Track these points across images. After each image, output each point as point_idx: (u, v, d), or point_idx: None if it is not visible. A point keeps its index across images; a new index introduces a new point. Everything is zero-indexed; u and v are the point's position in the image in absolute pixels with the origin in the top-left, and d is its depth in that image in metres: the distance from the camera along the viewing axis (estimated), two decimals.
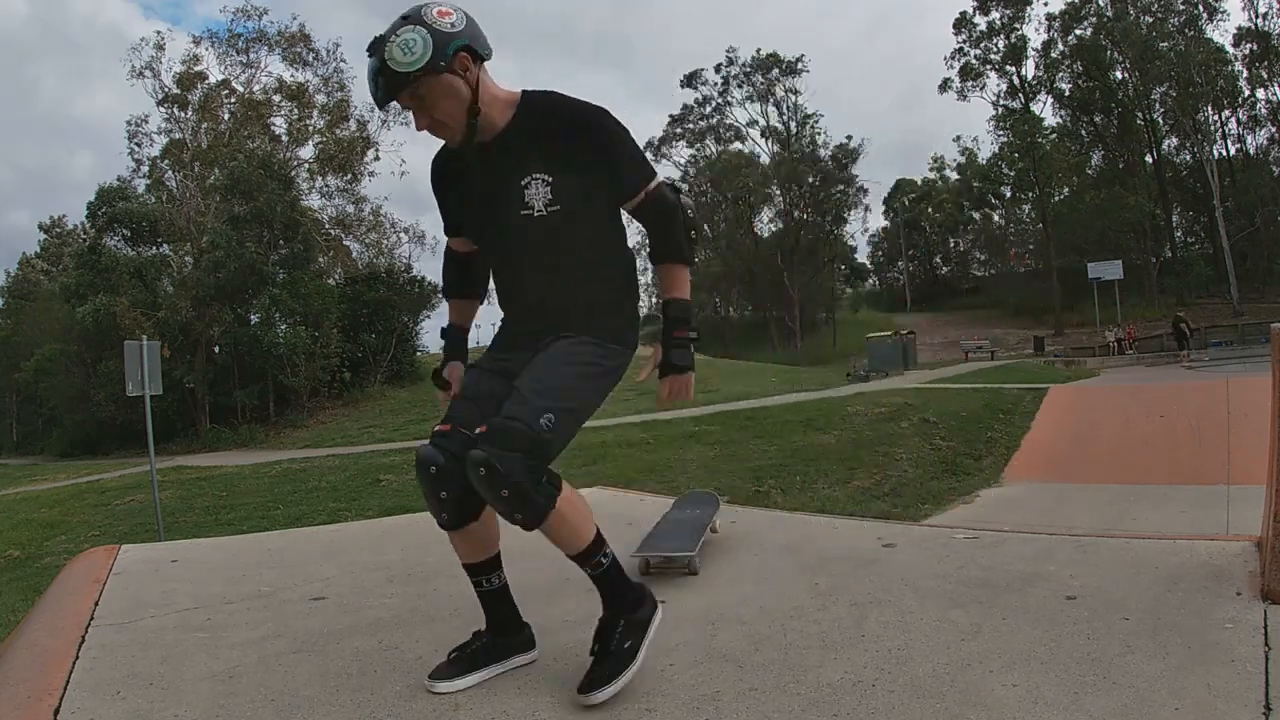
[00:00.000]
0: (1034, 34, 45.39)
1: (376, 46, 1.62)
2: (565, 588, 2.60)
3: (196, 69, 29.09)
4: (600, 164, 1.71)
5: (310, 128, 30.47)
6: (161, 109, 28.91)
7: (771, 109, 49.81)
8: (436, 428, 1.81)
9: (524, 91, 1.77)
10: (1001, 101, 46.37)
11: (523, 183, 1.71)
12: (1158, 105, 43.68)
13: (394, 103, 1.67)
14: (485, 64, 1.70)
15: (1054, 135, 45.86)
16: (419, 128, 1.69)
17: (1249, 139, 43.80)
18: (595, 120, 1.71)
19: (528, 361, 1.73)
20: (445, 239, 2.00)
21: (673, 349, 1.76)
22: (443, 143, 1.78)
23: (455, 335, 2.00)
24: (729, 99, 50.14)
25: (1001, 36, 45.48)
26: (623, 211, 1.81)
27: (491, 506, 1.68)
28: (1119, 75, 43.98)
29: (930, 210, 56.97)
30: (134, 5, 78.71)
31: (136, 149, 29.35)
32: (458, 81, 1.64)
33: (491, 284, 1.98)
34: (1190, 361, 24.74)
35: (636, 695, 1.67)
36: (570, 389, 1.69)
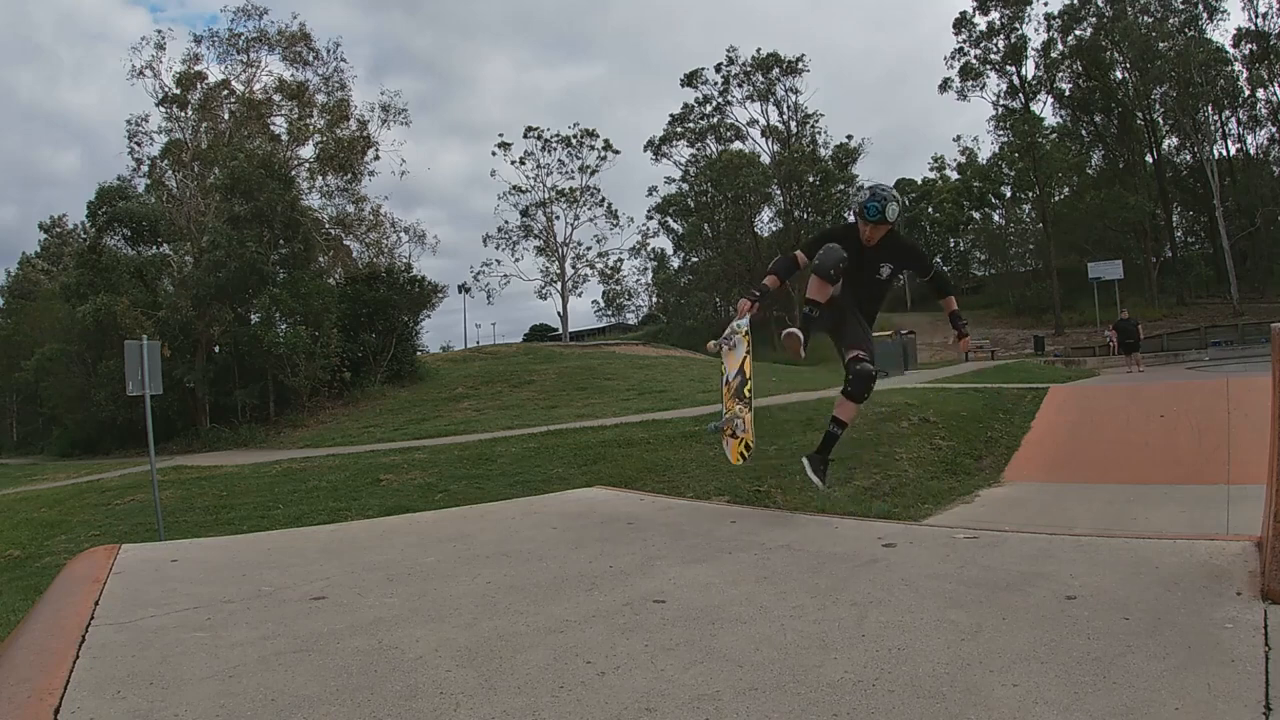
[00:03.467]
0: (1034, 34, 45.39)
1: (892, 197, 3.82)
2: (564, 588, 2.60)
3: (196, 69, 29.13)
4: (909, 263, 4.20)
5: (310, 127, 30.48)
6: (161, 109, 28.95)
7: (772, 109, 49.86)
8: (856, 353, 3.93)
9: (889, 231, 3.87)
10: (1001, 101, 46.37)
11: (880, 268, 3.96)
12: (1158, 105, 43.63)
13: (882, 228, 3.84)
14: None
15: (1054, 135, 45.83)
16: (868, 240, 3.79)
17: (1249, 139, 43.80)
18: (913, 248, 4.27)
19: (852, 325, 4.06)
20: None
21: (961, 325, 4.31)
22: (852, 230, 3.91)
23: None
24: (729, 98, 50.17)
25: (1001, 36, 45.45)
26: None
27: (866, 390, 3.87)
28: (1119, 75, 43.95)
29: (930, 210, 56.98)
30: None
31: (136, 148, 29.39)
32: (888, 229, 3.86)
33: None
34: (1141, 366, 22.22)
35: (637, 694, 1.67)
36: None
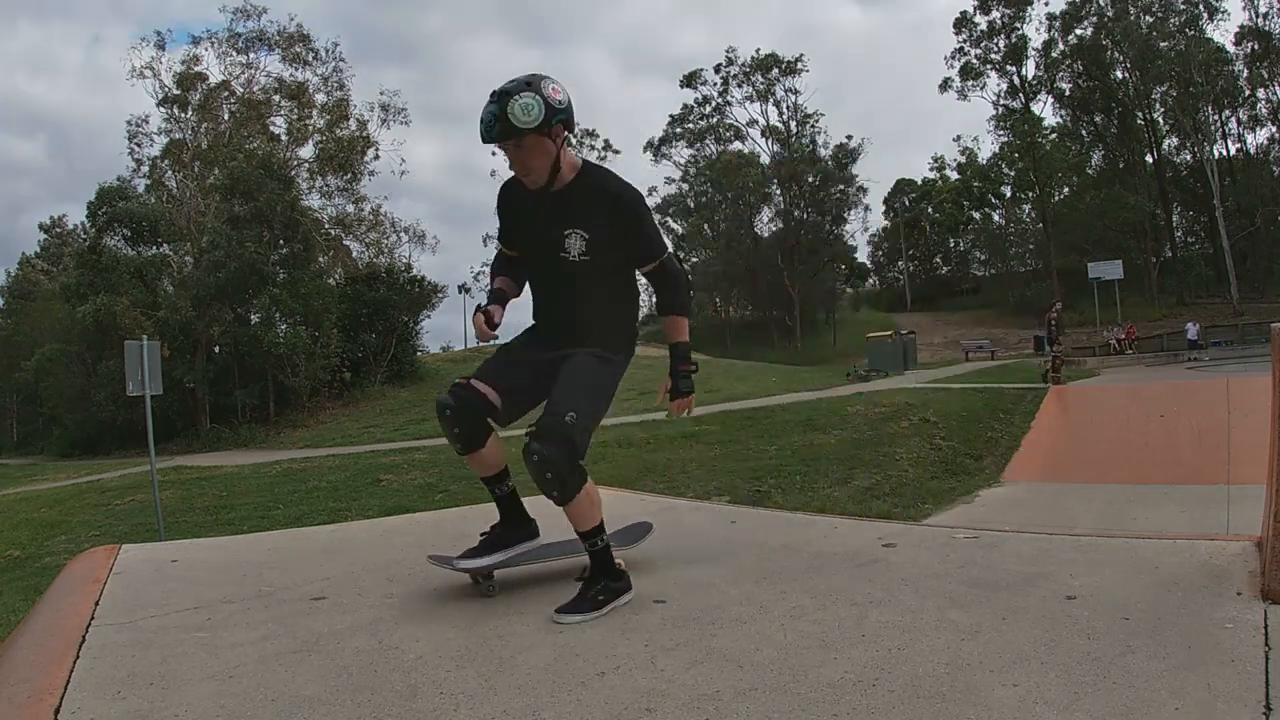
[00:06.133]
0: (1034, 34, 45.43)
1: (500, 98, 2.09)
2: (564, 587, 2.60)
3: (196, 69, 29.13)
4: (626, 235, 2.25)
5: (310, 127, 30.49)
6: (161, 109, 28.96)
7: (771, 109, 49.86)
8: (458, 380, 2.33)
9: (584, 161, 2.31)
10: (1002, 101, 46.38)
11: (565, 233, 2.23)
12: (1158, 105, 43.63)
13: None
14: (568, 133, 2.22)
15: (1054, 135, 45.83)
16: (512, 168, 2.23)
17: (1249, 139, 43.83)
18: (629, 200, 2.24)
19: (549, 364, 2.27)
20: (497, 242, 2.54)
21: (678, 379, 2.39)
22: (511, 173, 2.29)
23: (497, 292, 2.43)
24: (729, 99, 50.17)
25: (1002, 36, 45.47)
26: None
27: (538, 486, 2.19)
28: (1119, 75, 43.95)
29: (930, 210, 56.91)
30: None
31: (136, 149, 29.40)
32: (551, 145, 2.16)
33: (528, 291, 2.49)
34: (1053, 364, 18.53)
35: (637, 694, 1.67)
36: (590, 390, 2.23)
